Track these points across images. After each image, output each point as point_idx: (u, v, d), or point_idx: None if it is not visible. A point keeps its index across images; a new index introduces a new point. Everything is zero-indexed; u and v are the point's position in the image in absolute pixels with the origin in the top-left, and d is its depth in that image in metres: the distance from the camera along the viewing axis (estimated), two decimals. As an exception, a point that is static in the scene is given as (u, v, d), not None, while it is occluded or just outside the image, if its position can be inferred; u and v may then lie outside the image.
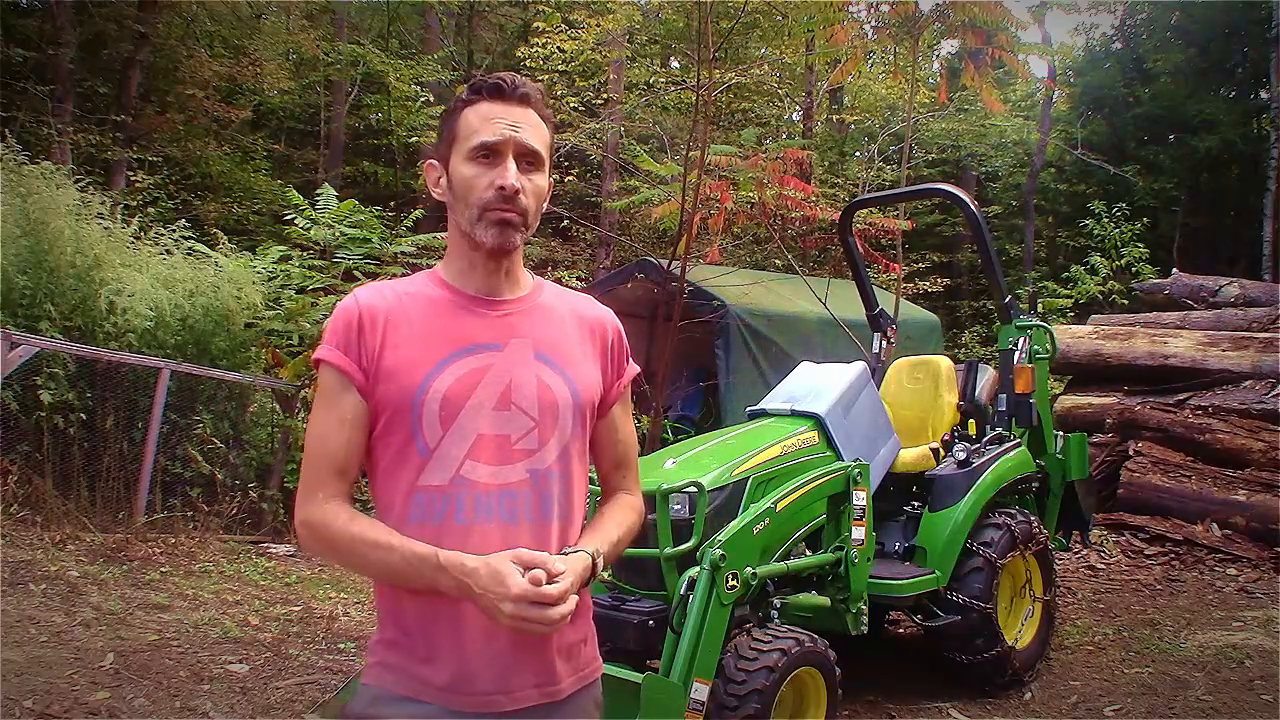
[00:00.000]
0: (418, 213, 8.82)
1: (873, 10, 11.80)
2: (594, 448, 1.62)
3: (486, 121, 1.47)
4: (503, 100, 1.49)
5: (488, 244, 1.48)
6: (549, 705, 1.47)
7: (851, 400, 4.40)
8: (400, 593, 1.45)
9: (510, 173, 1.45)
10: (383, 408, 1.45)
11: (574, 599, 1.37)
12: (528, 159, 1.48)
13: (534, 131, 1.50)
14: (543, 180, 1.52)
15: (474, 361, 1.46)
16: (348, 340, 1.46)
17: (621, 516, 1.62)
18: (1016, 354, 4.96)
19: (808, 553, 3.98)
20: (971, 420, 4.92)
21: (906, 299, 12.27)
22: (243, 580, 5.69)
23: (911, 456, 4.60)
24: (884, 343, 5.50)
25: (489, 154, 1.47)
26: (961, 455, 4.46)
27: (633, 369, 1.67)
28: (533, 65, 13.82)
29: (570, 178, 15.19)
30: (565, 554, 1.44)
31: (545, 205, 1.57)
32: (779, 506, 3.59)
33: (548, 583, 1.32)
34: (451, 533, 1.41)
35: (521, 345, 1.50)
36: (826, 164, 17.35)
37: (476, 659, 1.42)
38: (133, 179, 13.15)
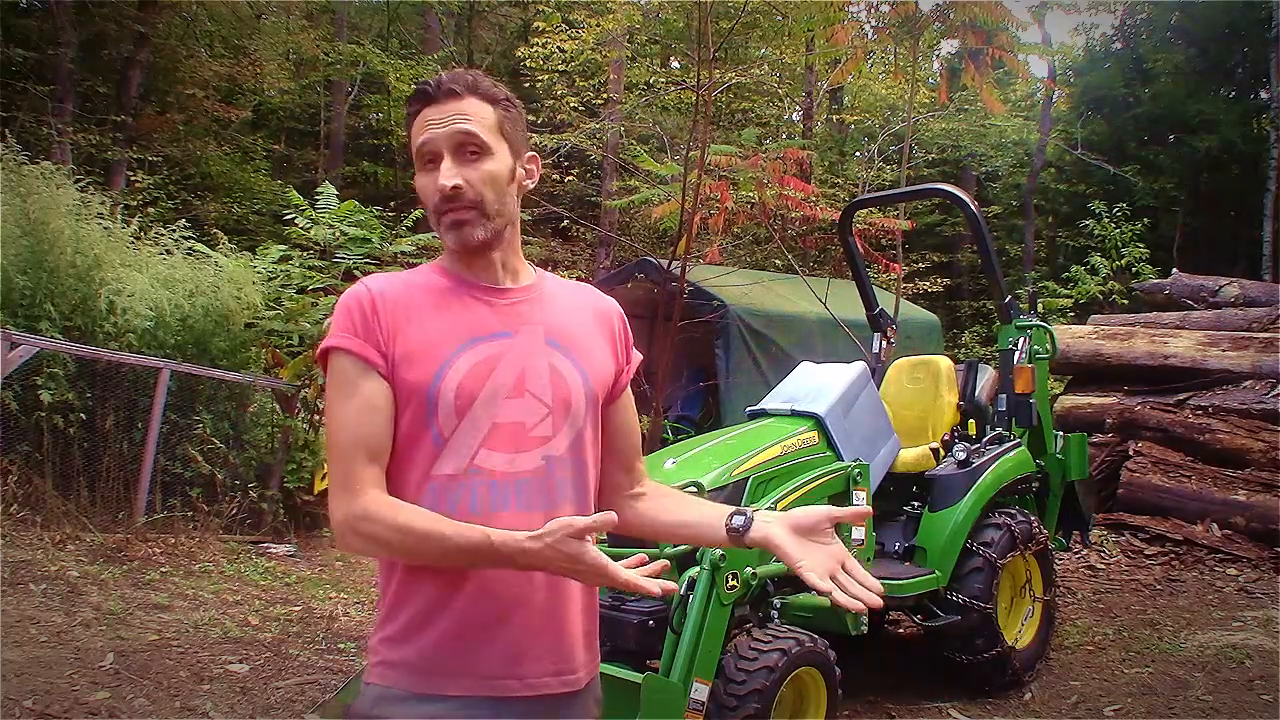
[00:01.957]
0: (418, 213, 8.81)
1: (873, 10, 11.81)
2: (606, 435, 1.61)
3: (422, 128, 1.47)
4: (433, 103, 1.47)
5: (451, 246, 1.49)
6: (566, 696, 1.47)
7: (851, 400, 4.40)
8: (408, 587, 1.43)
9: (443, 172, 1.44)
10: (397, 396, 1.43)
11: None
12: (468, 148, 1.46)
13: (467, 121, 1.46)
14: (493, 164, 1.46)
15: (487, 349, 1.46)
16: (364, 325, 1.42)
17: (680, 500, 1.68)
18: (1016, 354, 4.96)
19: (808, 553, 3.97)
20: (971, 420, 4.92)
21: (906, 299, 12.28)
22: (243, 580, 5.69)
23: (911, 456, 4.60)
24: (884, 343, 5.50)
25: (430, 159, 1.47)
26: (961, 455, 4.46)
27: (638, 357, 1.68)
28: (533, 65, 13.83)
29: (570, 178, 15.19)
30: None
31: (529, 185, 1.55)
32: (779, 506, 3.59)
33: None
34: (467, 521, 1.40)
35: (532, 332, 1.50)
36: (826, 164, 17.35)
37: (489, 645, 1.41)
38: (133, 179, 13.15)
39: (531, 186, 1.57)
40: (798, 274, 9.98)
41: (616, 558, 1.37)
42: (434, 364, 1.42)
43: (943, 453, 4.63)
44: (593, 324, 1.59)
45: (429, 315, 1.46)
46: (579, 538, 1.31)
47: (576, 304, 1.60)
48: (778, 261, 12.46)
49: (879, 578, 4.24)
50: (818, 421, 4.22)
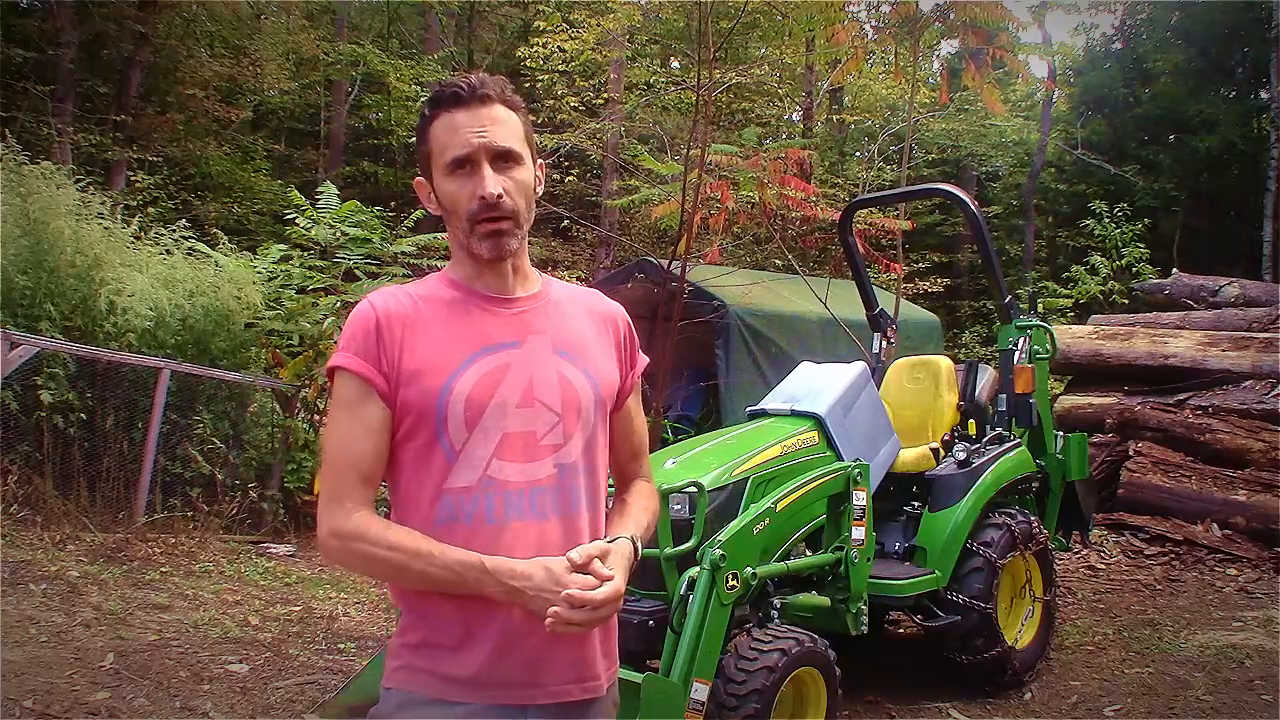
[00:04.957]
0: (418, 213, 8.81)
1: (873, 10, 11.83)
2: (611, 439, 1.63)
3: (453, 133, 1.46)
4: (464, 107, 1.46)
5: (485, 255, 1.48)
6: (585, 703, 1.48)
7: (851, 400, 4.40)
8: (433, 595, 1.43)
9: (487, 181, 1.44)
10: (405, 412, 1.44)
11: (622, 587, 1.41)
12: (502, 158, 1.47)
13: (503, 129, 1.47)
14: (525, 173, 1.49)
15: (495, 360, 1.47)
16: (367, 346, 1.44)
17: (646, 502, 1.66)
18: (1016, 354, 4.95)
19: (808, 553, 3.98)
20: (971, 420, 4.92)
21: (906, 299, 12.26)
22: (243, 580, 5.69)
23: (911, 456, 4.60)
24: (884, 343, 5.50)
25: (463, 165, 1.46)
26: (961, 455, 4.46)
27: (643, 360, 1.69)
28: (533, 65, 13.83)
29: (570, 178, 15.20)
30: (609, 542, 1.46)
31: (540, 192, 1.57)
32: (779, 506, 3.59)
33: (597, 587, 1.38)
34: (482, 533, 1.41)
35: (540, 341, 1.51)
36: (826, 164, 17.35)
37: (510, 652, 1.42)
38: (133, 179, 13.16)
39: (540, 194, 1.58)
40: (798, 274, 9.97)
41: None
42: (442, 378, 1.43)
43: (943, 453, 4.63)
44: (598, 330, 1.60)
45: (436, 329, 1.47)
46: (571, 563, 1.38)
47: (583, 311, 1.61)
48: (778, 261, 12.45)
49: (879, 578, 4.24)
50: (818, 421, 4.22)
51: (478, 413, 1.43)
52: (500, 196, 1.44)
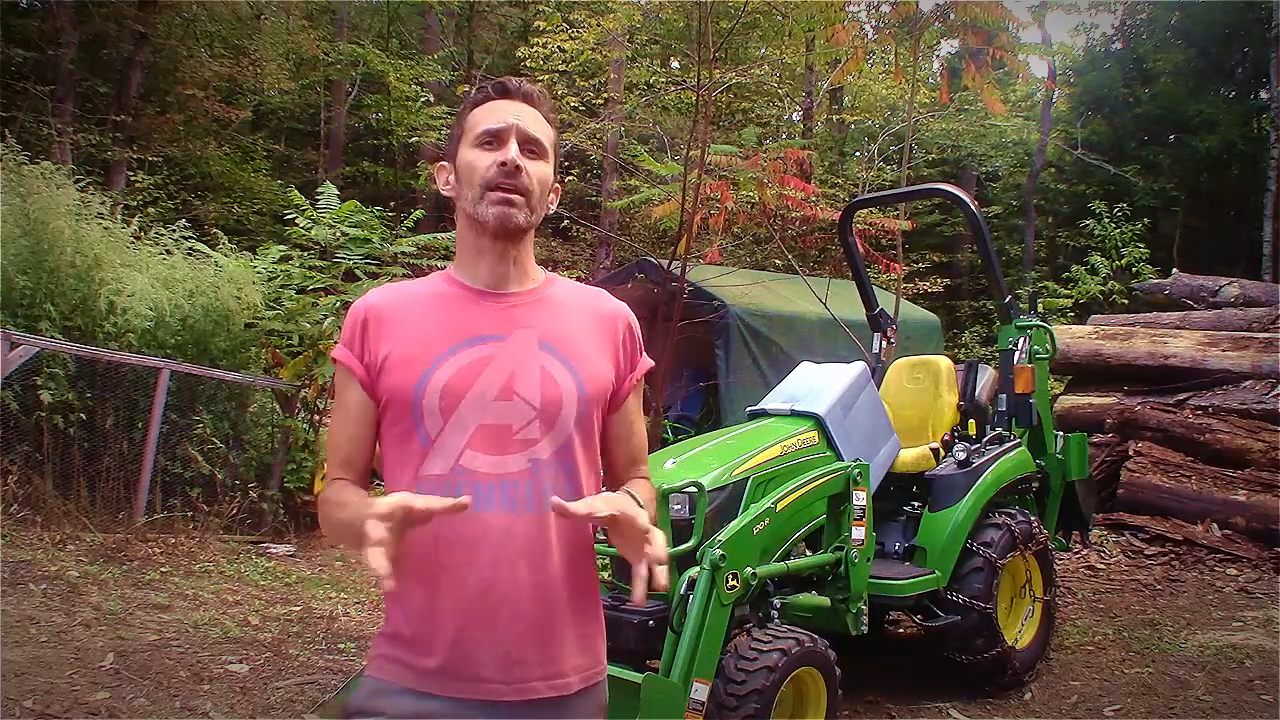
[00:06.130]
0: (418, 213, 8.82)
1: (873, 10, 11.83)
2: (606, 442, 1.62)
3: (491, 113, 1.54)
4: (508, 97, 1.56)
5: (490, 222, 1.50)
6: (554, 700, 1.47)
7: (851, 400, 4.40)
8: (406, 582, 1.42)
9: (511, 149, 1.50)
10: (388, 401, 1.49)
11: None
12: (530, 146, 1.53)
13: (537, 123, 1.55)
14: (546, 169, 1.55)
15: (476, 352, 1.48)
16: (352, 339, 1.53)
17: (639, 486, 1.63)
18: (1016, 354, 4.95)
19: (808, 553, 3.98)
20: (971, 420, 4.92)
21: (906, 299, 12.27)
22: (243, 580, 5.69)
23: (911, 456, 4.60)
24: (884, 343, 5.50)
25: (492, 140, 1.52)
26: (961, 455, 4.46)
27: (646, 363, 1.66)
28: (533, 65, 13.82)
29: (570, 178, 15.20)
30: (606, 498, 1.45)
31: (553, 200, 1.60)
32: (779, 506, 3.59)
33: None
34: (451, 522, 1.41)
35: (526, 335, 1.51)
36: (826, 164, 17.34)
37: (477, 645, 1.42)
38: (133, 179, 13.16)
39: (550, 212, 1.61)
40: (798, 274, 9.97)
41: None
42: (421, 367, 1.47)
43: (943, 453, 4.63)
44: (595, 329, 1.59)
45: (422, 321, 1.51)
46: (394, 516, 1.27)
47: (582, 310, 1.60)
48: (778, 261, 12.45)
49: (879, 578, 4.25)
50: (818, 421, 4.22)
51: (453, 403, 1.45)
52: (520, 168, 1.49)
